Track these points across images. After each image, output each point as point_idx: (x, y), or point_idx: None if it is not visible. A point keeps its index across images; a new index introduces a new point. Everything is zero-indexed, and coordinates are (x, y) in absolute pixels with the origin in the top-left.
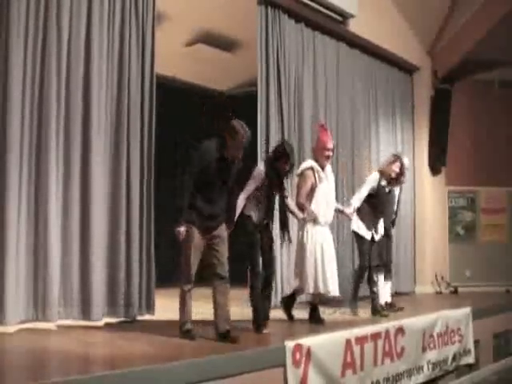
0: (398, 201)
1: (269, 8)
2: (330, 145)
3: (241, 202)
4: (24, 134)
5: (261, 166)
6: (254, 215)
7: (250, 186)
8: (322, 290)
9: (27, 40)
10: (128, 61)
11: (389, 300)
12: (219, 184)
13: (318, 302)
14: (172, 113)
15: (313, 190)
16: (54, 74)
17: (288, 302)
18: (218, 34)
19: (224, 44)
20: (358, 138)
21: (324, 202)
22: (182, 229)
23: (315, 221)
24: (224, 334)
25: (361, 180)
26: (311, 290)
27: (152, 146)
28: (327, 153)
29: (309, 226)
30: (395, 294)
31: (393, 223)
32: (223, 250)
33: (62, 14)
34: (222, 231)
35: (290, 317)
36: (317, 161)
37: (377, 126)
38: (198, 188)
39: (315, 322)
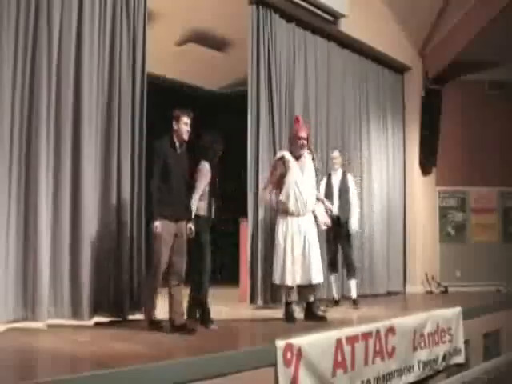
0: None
1: (260, 7)
2: (303, 133)
3: (195, 202)
4: (13, 136)
5: (205, 164)
6: (207, 212)
7: (201, 184)
8: (289, 282)
9: (17, 38)
10: (119, 60)
11: (354, 296)
12: (177, 173)
13: (312, 297)
14: (162, 112)
15: (282, 178)
16: (44, 74)
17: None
18: (210, 33)
19: (215, 43)
20: (348, 138)
21: (295, 192)
22: (157, 223)
23: (287, 211)
24: (181, 326)
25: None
26: (277, 281)
27: (143, 146)
28: (300, 141)
29: (280, 218)
30: (386, 294)
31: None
32: (184, 250)
33: (53, 12)
34: (183, 229)
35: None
36: (292, 150)
37: (367, 125)
38: (161, 181)
39: (312, 319)
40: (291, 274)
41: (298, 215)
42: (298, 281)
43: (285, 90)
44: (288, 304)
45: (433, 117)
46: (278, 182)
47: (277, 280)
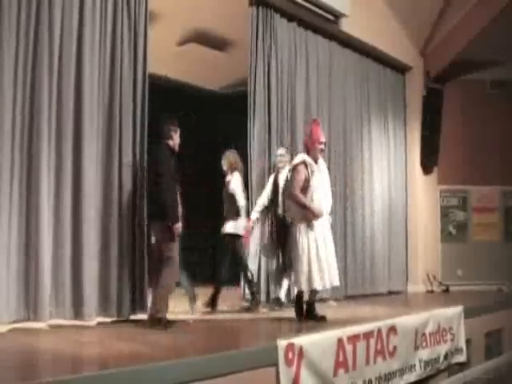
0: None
1: (261, 7)
2: (323, 138)
3: None
4: (15, 136)
5: None
6: None
7: None
8: (317, 285)
9: (18, 38)
10: (120, 60)
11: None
12: (176, 177)
13: (314, 298)
14: (163, 111)
15: (307, 183)
16: (45, 74)
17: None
18: (210, 33)
19: (216, 43)
20: (350, 138)
21: (318, 196)
22: (179, 225)
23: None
24: (169, 321)
25: (352, 179)
26: (304, 287)
27: (144, 146)
28: (320, 146)
29: (302, 222)
30: (388, 293)
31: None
32: None
33: (54, 12)
34: None
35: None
36: (310, 153)
37: (369, 125)
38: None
39: (313, 319)
40: (319, 278)
41: (319, 218)
42: (328, 284)
43: (286, 90)
44: (300, 303)
45: (434, 116)
46: (302, 187)
47: (303, 286)
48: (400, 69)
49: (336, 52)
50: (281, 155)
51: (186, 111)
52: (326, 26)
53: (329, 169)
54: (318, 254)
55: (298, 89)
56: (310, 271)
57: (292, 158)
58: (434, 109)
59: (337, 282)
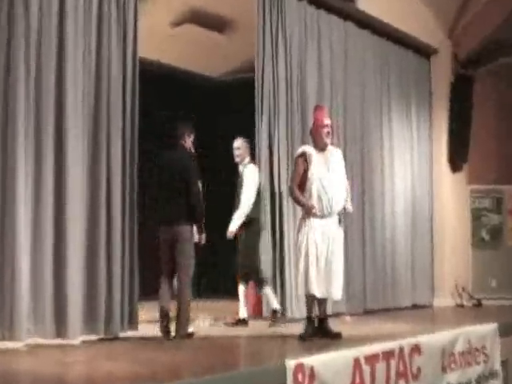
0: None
1: None
2: (327, 120)
3: None
4: None
5: None
6: None
7: None
8: (315, 291)
9: None
10: (107, 45)
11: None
12: None
13: (325, 313)
14: (156, 101)
15: (306, 175)
16: (21, 62)
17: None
18: (209, 12)
19: (215, 24)
20: (367, 129)
21: (319, 189)
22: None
23: (309, 213)
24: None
25: (371, 172)
26: (300, 292)
27: (135, 142)
28: (325, 129)
29: (303, 220)
30: (412, 307)
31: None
32: None
33: None
34: None
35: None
36: (316, 141)
37: (389, 114)
38: None
39: (326, 336)
40: (316, 284)
41: (322, 217)
42: (325, 293)
43: (296, 76)
44: (310, 320)
45: (463, 106)
46: (302, 181)
47: (299, 289)
48: (424, 52)
49: (352, 33)
50: (237, 148)
51: (181, 100)
52: (341, 5)
53: (344, 161)
54: (318, 260)
55: (310, 74)
56: (307, 274)
57: (250, 151)
58: (464, 97)
59: (337, 296)
